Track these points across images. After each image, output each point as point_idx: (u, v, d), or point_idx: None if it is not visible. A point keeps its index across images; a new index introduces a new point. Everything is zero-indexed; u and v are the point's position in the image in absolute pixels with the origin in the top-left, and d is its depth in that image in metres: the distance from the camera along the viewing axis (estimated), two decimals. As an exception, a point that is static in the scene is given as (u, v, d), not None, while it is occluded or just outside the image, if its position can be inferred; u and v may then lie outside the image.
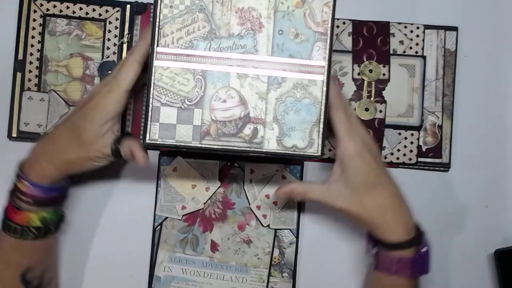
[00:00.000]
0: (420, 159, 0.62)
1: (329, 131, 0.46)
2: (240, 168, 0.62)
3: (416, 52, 0.63)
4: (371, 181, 0.48)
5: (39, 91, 0.60)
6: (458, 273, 0.62)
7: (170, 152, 0.59)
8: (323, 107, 0.43)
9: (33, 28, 0.60)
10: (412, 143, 0.62)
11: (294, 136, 0.43)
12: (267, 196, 0.62)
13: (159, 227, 0.61)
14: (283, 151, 0.43)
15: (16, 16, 0.60)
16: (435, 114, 0.62)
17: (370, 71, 0.62)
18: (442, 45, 0.63)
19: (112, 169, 0.60)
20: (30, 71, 0.60)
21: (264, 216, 0.62)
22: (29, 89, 0.60)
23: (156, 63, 0.42)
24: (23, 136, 0.59)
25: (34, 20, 0.60)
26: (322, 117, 0.43)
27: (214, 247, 0.62)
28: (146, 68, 0.44)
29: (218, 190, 0.62)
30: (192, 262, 0.61)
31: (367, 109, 0.61)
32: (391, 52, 0.62)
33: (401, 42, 0.63)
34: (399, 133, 0.62)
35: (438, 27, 0.63)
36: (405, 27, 0.63)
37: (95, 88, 0.50)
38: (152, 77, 0.42)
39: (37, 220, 0.49)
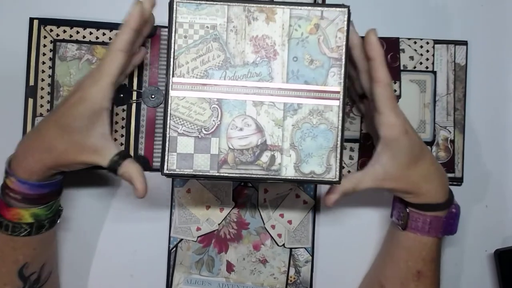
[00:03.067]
0: None
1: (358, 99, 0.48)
2: (254, 188, 0.62)
3: (427, 68, 0.63)
4: (415, 155, 0.49)
5: (51, 116, 0.60)
6: (458, 273, 0.62)
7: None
8: (339, 133, 0.43)
9: (44, 54, 0.60)
10: None
11: (311, 162, 0.43)
12: (282, 215, 0.62)
13: (174, 249, 0.61)
14: (301, 178, 0.43)
15: (26, 42, 0.60)
16: (447, 129, 0.62)
17: None
18: (452, 60, 0.63)
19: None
20: (41, 97, 0.60)
21: (279, 235, 0.62)
22: (41, 114, 0.60)
23: (172, 93, 0.42)
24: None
25: (45, 45, 0.60)
26: (339, 142, 0.43)
27: (230, 267, 0.62)
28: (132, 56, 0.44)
29: (232, 210, 0.62)
30: (208, 283, 0.61)
31: None
32: (402, 68, 0.62)
33: (411, 58, 0.63)
34: None
35: (447, 42, 0.63)
36: (415, 42, 0.63)
37: (79, 81, 0.47)
38: (169, 108, 0.42)
39: (28, 216, 0.47)
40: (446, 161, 0.62)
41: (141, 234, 0.62)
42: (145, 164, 0.59)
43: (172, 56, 0.42)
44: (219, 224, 0.62)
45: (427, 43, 0.63)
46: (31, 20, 0.61)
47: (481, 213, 0.63)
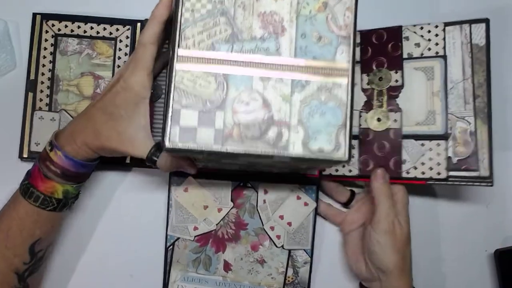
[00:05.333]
0: (451, 173, 0.54)
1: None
2: (253, 189, 0.60)
3: (437, 53, 0.57)
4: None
5: (50, 110, 0.59)
6: (458, 273, 0.61)
7: (181, 172, 0.57)
8: (348, 110, 0.42)
9: (45, 48, 0.60)
10: (439, 154, 0.55)
11: (320, 139, 0.41)
12: (281, 217, 0.60)
13: (171, 246, 0.59)
14: (309, 156, 0.41)
15: (28, 37, 0.60)
16: (465, 119, 0.55)
17: (380, 79, 0.59)
18: (468, 41, 0.56)
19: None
20: (41, 91, 0.59)
21: (278, 236, 0.60)
22: (40, 108, 0.59)
23: (177, 66, 0.41)
24: (34, 157, 0.57)
25: (46, 40, 0.60)
26: (349, 120, 0.41)
27: (227, 267, 0.60)
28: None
29: (230, 211, 0.60)
30: (205, 281, 0.59)
31: (379, 119, 0.58)
32: (406, 56, 0.58)
33: (417, 45, 0.58)
34: (422, 144, 0.56)
35: (461, 22, 0.56)
36: (421, 28, 0.58)
37: (120, 71, 0.49)
38: (173, 80, 0.41)
39: (60, 192, 0.49)
40: (466, 157, 0.54)
41: (140, 231, 0.60)
42: (142, 159, 0.57)
43: (178, 28, 0.41)
44: (217, 224, 0.60)
45: (436, 26, 0.58)
46: (34, 15, 0.60)
47: (481, 213, 0.62)
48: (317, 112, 0.41)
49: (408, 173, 0.56)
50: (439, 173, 0.55)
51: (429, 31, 0.58)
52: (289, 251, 0.60)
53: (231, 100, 0.41)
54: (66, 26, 0.60)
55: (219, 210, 0.60)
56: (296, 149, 0.41)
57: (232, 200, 0.60)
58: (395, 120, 0.57)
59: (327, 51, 0.42)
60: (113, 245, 0.60)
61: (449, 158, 0.55)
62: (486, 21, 0.56)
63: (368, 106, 0.59)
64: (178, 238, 0.59)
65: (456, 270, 0.61)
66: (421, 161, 0.56)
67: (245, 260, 0.60)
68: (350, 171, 0.58)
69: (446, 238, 0.61)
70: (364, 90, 0.59)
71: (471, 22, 0.57)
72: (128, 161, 0.59)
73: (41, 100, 0.59)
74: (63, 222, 0.57)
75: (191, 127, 0.40)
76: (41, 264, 0.53)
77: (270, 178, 0.60)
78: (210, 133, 0.40)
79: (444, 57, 0.57)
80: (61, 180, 0.49)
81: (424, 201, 0.62)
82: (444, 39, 0.57)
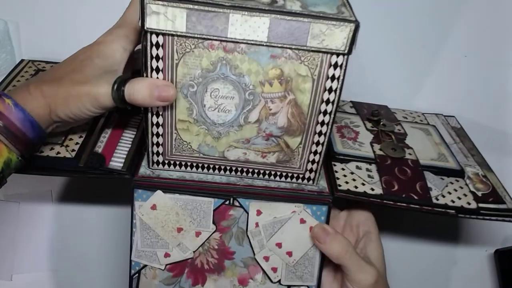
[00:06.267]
0: (481, 205, 0.48)
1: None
2: (243, 208, 0.46)
3: (423, 124, 0.60)
4: None
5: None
6: (458, 273, 0.60)
7: (146, 185, 0.45)
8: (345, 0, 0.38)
9: (22, 76, 0.57)
10: (461, 187, 0.50)
11: (320, 7, 0.36)
12: (279, 245, 0.45)
13: (136, 275, 0.44)
14: (311, 13, 0.34)
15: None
16: (472, 166, 0.54)
17: (384, 125, 0.57)
18: (446, 123, 0.62)
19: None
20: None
21: (274, 269, 0.45)
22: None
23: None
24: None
25: (26, 72, 0.58)
26: (347, 3, 0.38)
27: (207, 301, 0.42)
28: None
29: (212, 235, 0.46)
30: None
31: (394, 149, 0.53)
32: (399, 120, 0.60)
33: (405, 118, 0.61)
34: (441, 178, 0.51)
35: (436, 114, 0.63)
36: (404, 110, 0.63)
37: None
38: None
39: (3, 160, 0.38)
40: (488, 191, 0.50)
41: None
42: (100, 162, 0.46)
43: None
44: (194, 252, 0.45)
45: (416, 112, 0.63)
46: (22, 61, 0.60)
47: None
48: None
49: (437, 199, 0.48)
50: (469, 203, 0.48)
51: (411, 113, 0.63)
52: (288, 287, 0.46)
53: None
54: (51, 66, 0.59)
55: (197, 234, 0.45)
56: (294, 7, 0.35)
57: (214, 223, 0.45)
58: (410, 154, 0.53)
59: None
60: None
61: (473, 192, 0.50)
62: (454, 116, 0.63)
63: (377, 140, 0.55)
64: (145, 266, 0.44)
65: (456, 270, 0.60)
66: (447, 190, 0.50)
67: (230, 296, 0.43)
68: (373, 189, 0.47)
69: (447, 238, 0.60)
70: (369, 131, 0.56)
71: (443, 115, 0.63)
72: (81, 164, 0.47)
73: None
74: None
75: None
76: None
77: (265, 194, 0.46)
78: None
79: (433, 126, 0.60)
80: (3, 138, 0.38)
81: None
82: (426, 119, 0.62)
